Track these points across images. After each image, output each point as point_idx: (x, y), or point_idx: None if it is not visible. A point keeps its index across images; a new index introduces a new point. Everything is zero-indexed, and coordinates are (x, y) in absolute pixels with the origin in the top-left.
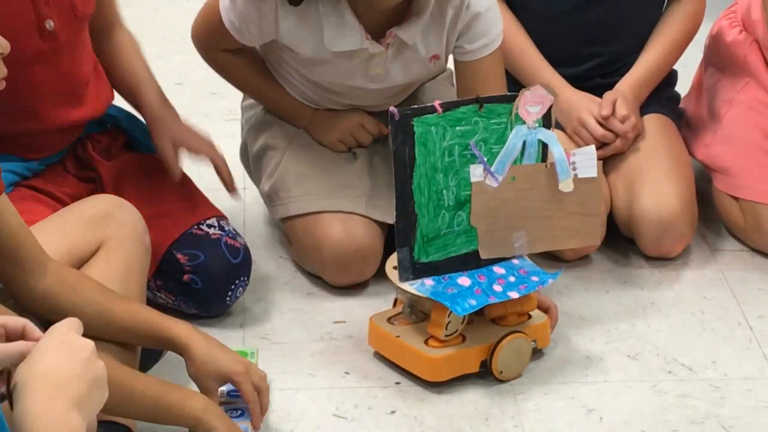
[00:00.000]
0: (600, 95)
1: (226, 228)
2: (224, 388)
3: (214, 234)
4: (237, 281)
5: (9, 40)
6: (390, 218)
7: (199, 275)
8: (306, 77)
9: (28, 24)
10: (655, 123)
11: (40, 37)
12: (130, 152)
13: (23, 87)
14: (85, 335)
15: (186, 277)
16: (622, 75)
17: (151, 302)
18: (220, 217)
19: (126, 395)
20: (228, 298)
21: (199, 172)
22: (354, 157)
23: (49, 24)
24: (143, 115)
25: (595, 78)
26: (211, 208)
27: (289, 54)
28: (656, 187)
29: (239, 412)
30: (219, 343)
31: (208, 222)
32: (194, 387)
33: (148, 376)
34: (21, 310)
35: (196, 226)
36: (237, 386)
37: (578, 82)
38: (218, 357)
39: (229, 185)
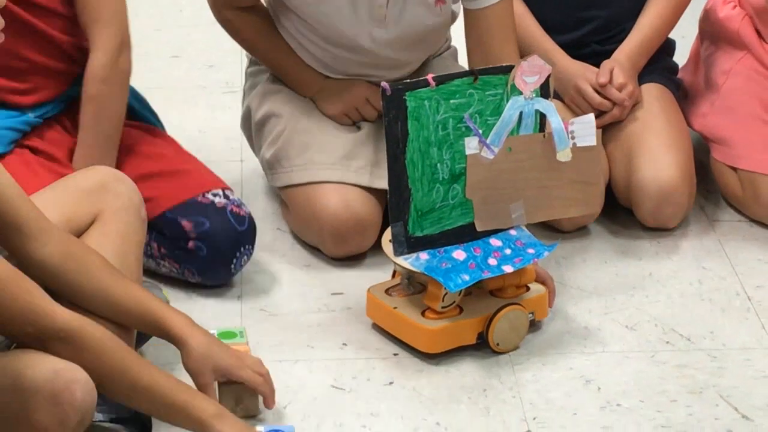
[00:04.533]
0: (597, 62)
1: (231, 197)
2: (261, 428)
3: (220, 203)
4: (242, 249)
5: None
6: None
7: (204, 242)
8: (313, 31)
9: None
10: (653, 93)
11: None
12: (131, 120)
13: None
14: (83, 311)
15: (191, 244)
16: (619, 42)
17: (154, 273)
18: (225, 188)
19: (130, 384)
20: (232, 266)
21: (197, 145)
22: (358, 128)
23: None
24: None
25: (592, 44)
26: (218, 181)
27: (293, 1)
28: (655, 157)
29: None
30: (215, 338)
31: (214, 191)
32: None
33: (161, 371)
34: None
35: (201, 195)
36: (238, 378)
37: (575, 49)
38: (215, 351)
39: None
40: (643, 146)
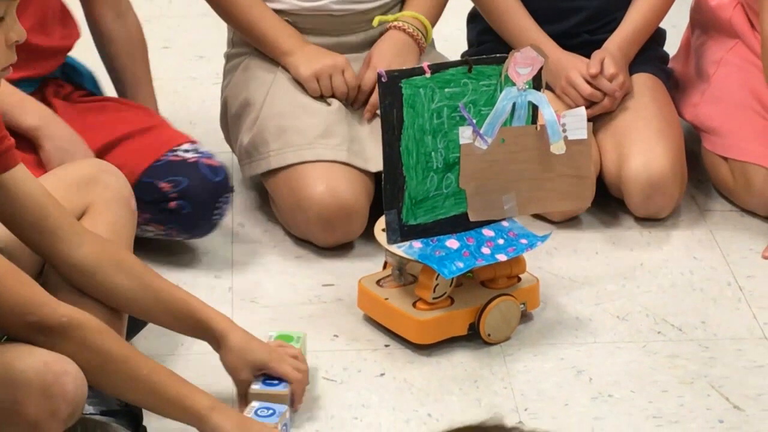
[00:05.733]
0: (588, 53)
1: (201, 150)
2: (255, 404)
3: (191, 158)
4: (221, 198)
5: None
6: (372, 166)
7: (185, 199)
8: None
9: None
10: (643, 82)
11: None
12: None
13: None
14: (115, 310)
15: (173, 204)
16: (610, 32)
17: (138, 238)
18: (192, 141)
19: (129, 375)
20: (214, 217)
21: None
22: (327, 104)
23: None
24: None
25: (582, 34)
26: (182, 135)
27: None
28: (645, 147)
29: (271, 411)
30: (253, 335)
31: (183, 147)
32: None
33: (158, 365)
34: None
35: (171, 153)
36: (276, 372)
37: (565, 39)
38: (253, 347)
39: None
40: (633, 136)
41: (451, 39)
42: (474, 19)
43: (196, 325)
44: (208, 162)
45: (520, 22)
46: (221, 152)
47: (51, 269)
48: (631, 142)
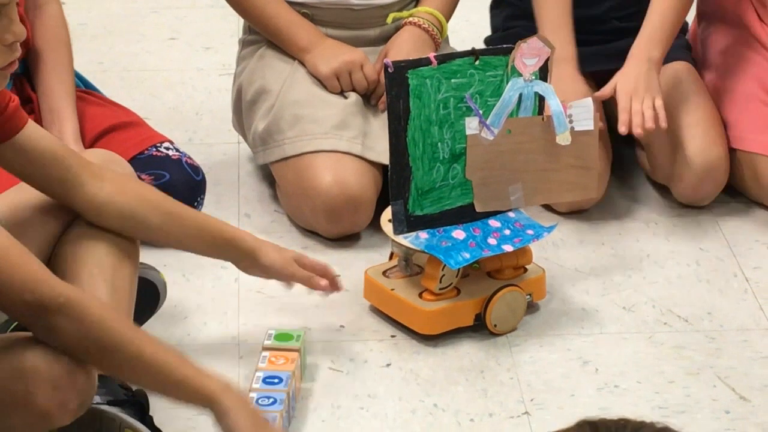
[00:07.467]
0: (617, 39)
1: (180, 150)
2: (260, 374)
3: (174, 155)
4: (198, 198)
5: None
6: (385, 159)
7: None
8: None
9: None
10: (682, 70)
11: None
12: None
13: None
14: (145, 239)
15: None
16: (639, 19)
17: None
18: (170, 141)
19: (132, 355)
20: None
21: (193, 127)
22: (345, 97)
23: None
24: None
25: (612, 20)
26: (161, 135)
27: None
28: (702, 131)
29: (272, 400)
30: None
31: (165, 145)
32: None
33: (164, 344)
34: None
35: (154, 149)
36: (302, 261)
37: (596, 24)
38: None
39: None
40: (688, 120)
41: (456, 30)
42: (498, 5)
43: (225, 245)
44: (189, 161)
45: (553, 22)
46: (227, 143)
47: (57, 254)
48: (686, 127)
